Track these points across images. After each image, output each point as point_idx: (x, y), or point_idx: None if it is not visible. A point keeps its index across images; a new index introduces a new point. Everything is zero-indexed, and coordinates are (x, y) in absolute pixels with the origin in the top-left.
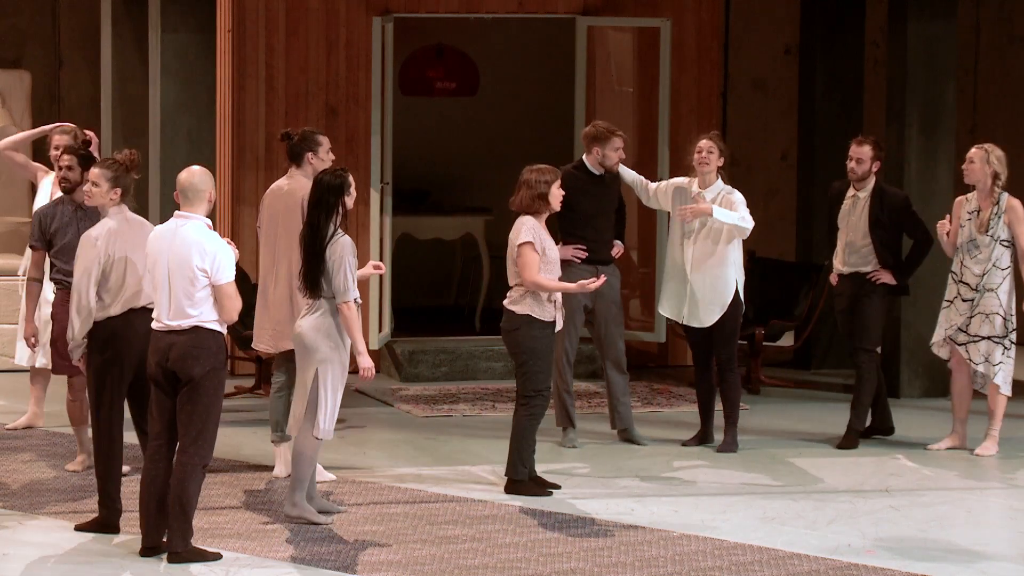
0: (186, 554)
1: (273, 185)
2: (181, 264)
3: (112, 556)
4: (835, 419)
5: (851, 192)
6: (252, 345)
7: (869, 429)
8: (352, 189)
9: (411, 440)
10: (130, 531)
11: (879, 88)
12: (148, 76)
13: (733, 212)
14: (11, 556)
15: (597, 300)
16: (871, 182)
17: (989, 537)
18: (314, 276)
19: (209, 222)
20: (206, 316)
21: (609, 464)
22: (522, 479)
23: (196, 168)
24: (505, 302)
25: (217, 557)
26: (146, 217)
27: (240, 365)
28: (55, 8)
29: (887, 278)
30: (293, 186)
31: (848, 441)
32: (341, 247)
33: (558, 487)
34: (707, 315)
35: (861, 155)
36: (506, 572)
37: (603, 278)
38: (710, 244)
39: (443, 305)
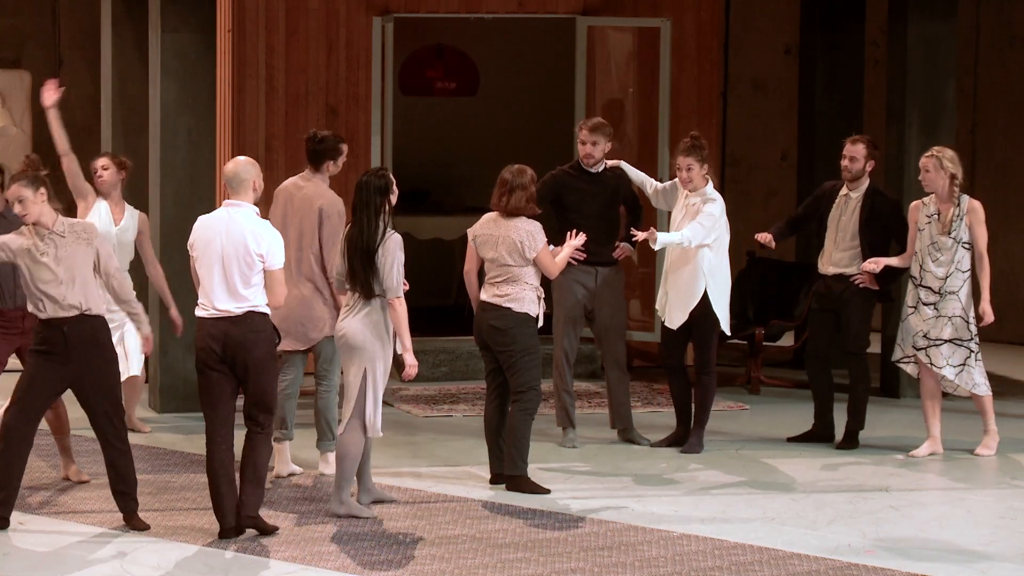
0: (257, 520)
1: (288, 182)
2: (238, 249)
3: (112, 556)
4: (836, 419)
5: (843, 191)
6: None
7: (810, 434)
8: (395, 187)
9: (411, 440)
10: (129, 529)
11: (879, 88)
12: (148, 76)
13: (676, 233)
14: (11, 556)
15: (596, 300)
16: (865, 183)
17: (989, 537)
18: (366, 277)
19: (257, 210)
20: (257, 300)
21: (609, 464)
22: (522, 474)
23: (241, 158)
24: (498, 300)
25: (275, 530)
26: (146, 216)
27: None
28: (55, 8)
29: (870, 282)
30: (311, 192)
31: (848, 442)
32: (394, 244)
33: (547, 491)
34: (674, 317)
35: (855, 153)
36: (506, 572)
37: (582, 236)
38: (682, 250)
39: (443, 305)
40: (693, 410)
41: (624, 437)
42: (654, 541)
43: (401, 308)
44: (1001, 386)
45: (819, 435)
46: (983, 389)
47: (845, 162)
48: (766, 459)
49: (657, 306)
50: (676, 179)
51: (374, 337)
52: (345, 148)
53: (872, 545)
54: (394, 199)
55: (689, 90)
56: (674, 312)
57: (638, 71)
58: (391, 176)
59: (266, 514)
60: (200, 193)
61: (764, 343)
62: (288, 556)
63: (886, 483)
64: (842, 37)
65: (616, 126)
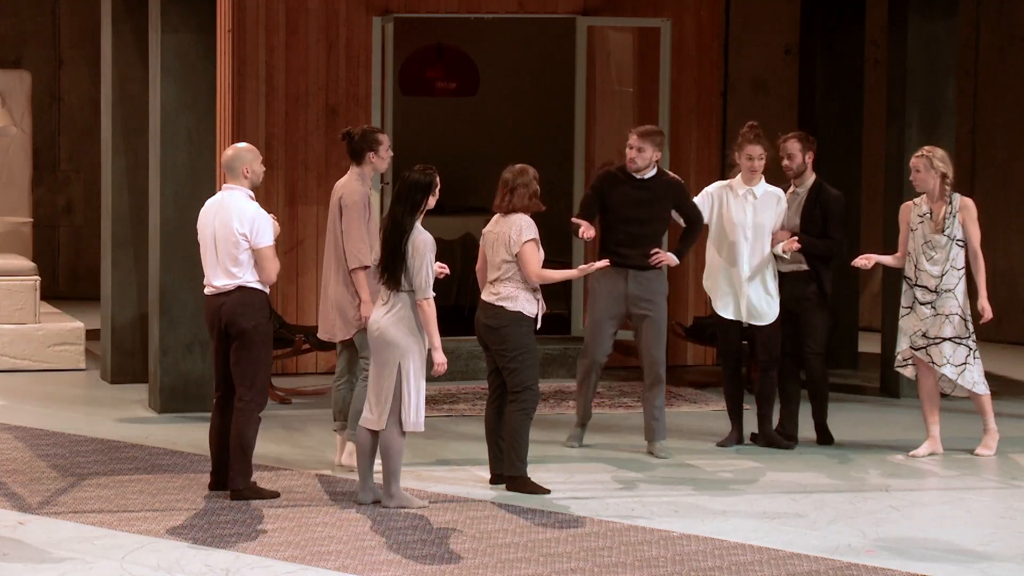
0: (247, 492)
1: (336, 183)
2: (226, 230)
3: (112, 556)
4: (834, 419)
5: (791, 189)
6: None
7: (777, 435)
8: (437, 189)
9: (411, 440)
10: (129, 529)
11: (879, 88)
12: (148, 76)
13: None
14: (11, 556)
15: (630, 304)
16: (811, 177)
17: (989, 537)
18: (394, 270)
19: (251, 193)
20: (249, 277)
21: (609, 464)
22: (521, 475)
23: (239, 145)
24: (492, 299)
25: (275, 495)
26: (147, 216)
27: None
28: (55, 8)
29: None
30: (339, 186)
31: (824, 436)
32: (424, 244)
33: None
34: (766, 314)
35: (791, 150)
36: (506, 572)
37: (605, 261)
38: (766, 253)
39: (443, 305)
40: (758, 407)
41: (648, 450)
42: (654, 541)
43: (430, 308)
44: (1001, 386)
45: (784, 436)
46: (982, 388)
47: (785, 162)
48: (766, 459)
49: (724, 309)
50: (714, 184)
51: (406, 333)
52: (385, 138)
53: (872, 545)
54: (433, 200)
55: (689, 90)
56: (763, 311)
57: (638, 71)
58: (436, 176)
59: (267, 514)
60: (200, 193)
61: None
62: (288, 556)
63: (886, 483)
64: (842, 37)
65: (616, 126)
